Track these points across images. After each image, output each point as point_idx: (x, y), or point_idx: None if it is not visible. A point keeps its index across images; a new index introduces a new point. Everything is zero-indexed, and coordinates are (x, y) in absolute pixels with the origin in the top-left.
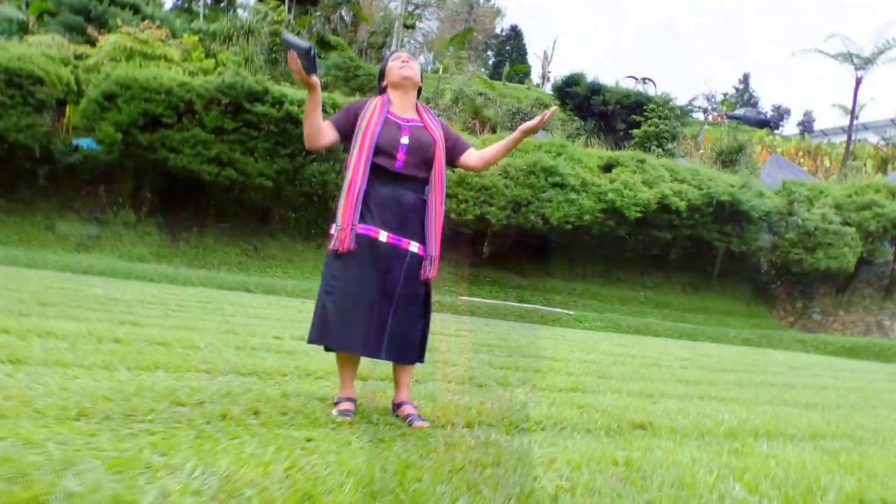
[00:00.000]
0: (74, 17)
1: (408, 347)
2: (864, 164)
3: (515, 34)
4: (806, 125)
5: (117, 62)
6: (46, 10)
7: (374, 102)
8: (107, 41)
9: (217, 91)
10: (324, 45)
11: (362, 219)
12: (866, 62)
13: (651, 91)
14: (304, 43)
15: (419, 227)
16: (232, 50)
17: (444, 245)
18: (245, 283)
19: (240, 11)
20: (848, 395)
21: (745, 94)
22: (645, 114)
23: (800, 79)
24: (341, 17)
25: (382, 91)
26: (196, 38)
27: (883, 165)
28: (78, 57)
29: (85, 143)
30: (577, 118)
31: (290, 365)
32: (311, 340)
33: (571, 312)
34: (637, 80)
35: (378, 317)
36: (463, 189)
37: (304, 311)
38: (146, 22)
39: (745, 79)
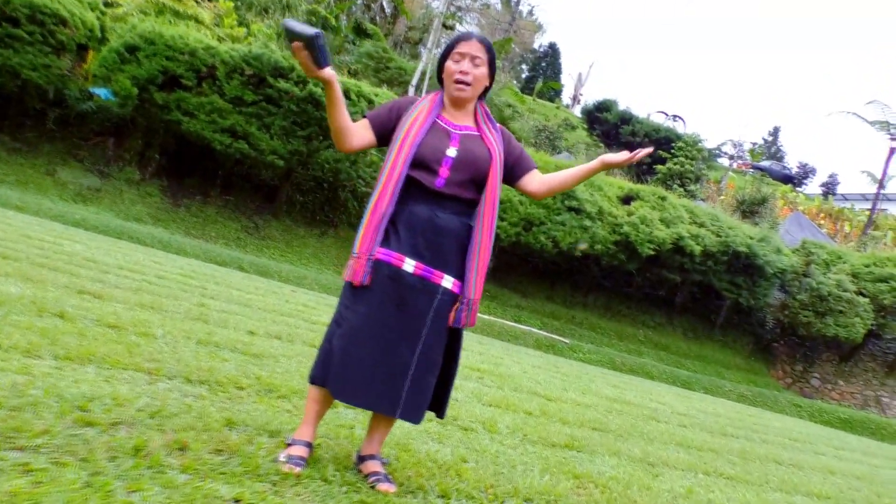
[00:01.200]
0: None
1: (424, 404)
2: (885, 235)
3: (553, 52)
4: (829, 186)
5: (146, 15)
6: None
7: (424, 102)
8: None
9: (242, 60)
10: (359, 32)
11: (385, 242)
12: None
13: (680, 129)
14: (309, 29)
15: (458, 258)
16: (266, 23)
17: None
18: (240, 260)
19: None
20: (858, 486)
21: (772, 147)
22: (672, 151)
23: (828, 139)
24: (382, 8)
25: (441, 84)
26: (231, 4)
27: None
28: (108, 4)
29: (101, 92)
30: (602, 144)
31: (252, 375)
32: (312, 378)
33: (567, 341)
34: (668, 115)
35: (397, 366)
36: None
37: (291, 302)
38: None
39: (776, 131)
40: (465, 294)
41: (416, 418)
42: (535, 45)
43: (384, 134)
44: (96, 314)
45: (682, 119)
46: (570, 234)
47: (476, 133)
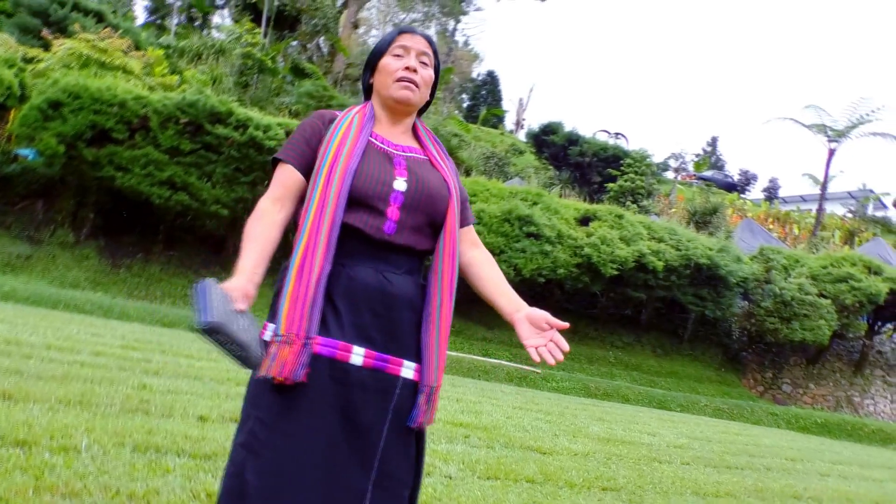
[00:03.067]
0: (32, 19)
1: None
2: (833, 235)
3: (492, 79)
4: (771, 191)
5: (70, 69)
6: (3, 10)
7: (350, 115)
8: (62, 46)
9: (176, 108)
10: (298, 72)
11: (323, 325)
12: (839, 135)
13: (625, 146)
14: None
15: (416, 334)
16: (199, 68)
17: None
18: (188, 319)
19: (214, 32)
20: None
21: (712, 157)
22: (622, 168)
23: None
24: (318, 47)
25: (367, 92)
26: (161, 52)
27: (850, 237)
28: (28, 60)
29: (27, 152)
30: (552, 167)
31: (202, 492)
32: None
33: (539, 371)
34: (610, 134)
35: (347, 499)
36: None
37: None
38: (108, 30)
39: (714, 141)
40: (424, 381)
41: None
42: (474, 74)
43: (310, 168)
44: (4, 420)
45: (624, 136)
46: (531, 261)
47: (423, 156)
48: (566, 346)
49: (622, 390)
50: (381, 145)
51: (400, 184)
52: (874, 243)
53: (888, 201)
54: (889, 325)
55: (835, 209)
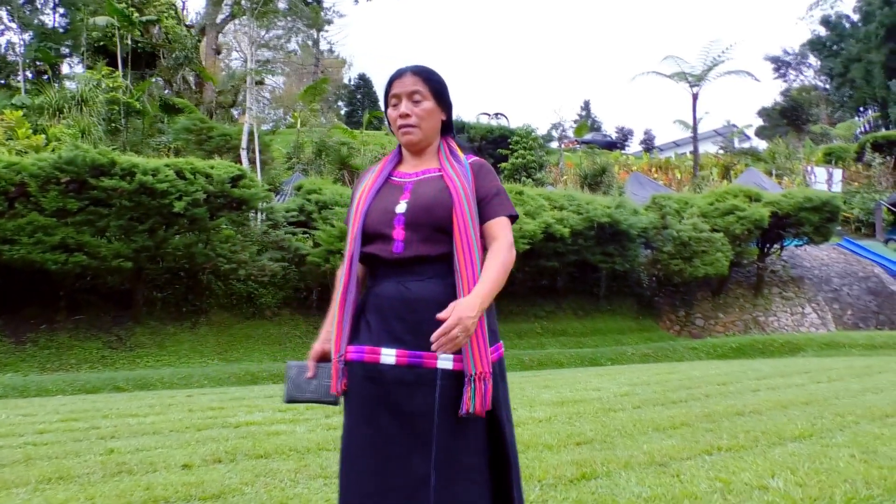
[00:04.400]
0: None
1: None
2: (711, 173)
3: (365, 82)
4: (648, 143)
5: None
6: None
7: (381, 163)
8: None
9: (53, 168)
10: (168, 108)
11: (354, 337)
12: (699, 79)
13: (504, 124)
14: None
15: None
16: (64, 123)
17: None
18: (113, 379)
19: (66, 83)
20: (816, 411)
21: (588, 120)
22: (510, 146)
23: (636, 100)
24: (184, 79)
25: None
26: (20, 113)
27: (726, 172)
28: None
29: None
30: None
31: None
32: None
33: None
34: (490, 115)
35: (413, 485)
36: (346, 244)
37: (195, 411)
38: None
39: (587, 105)
40: (465, 371)
41: None
42: (346, 80)
43: None
44: None
45: (504, 116)
46: None
47: (437, 173)
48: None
49: (554, 356)
50: (398, 179)
51: (401, 207)
52: (748, 173)
53: (750, 132)
54: (776, 246)
55: (707, 148)
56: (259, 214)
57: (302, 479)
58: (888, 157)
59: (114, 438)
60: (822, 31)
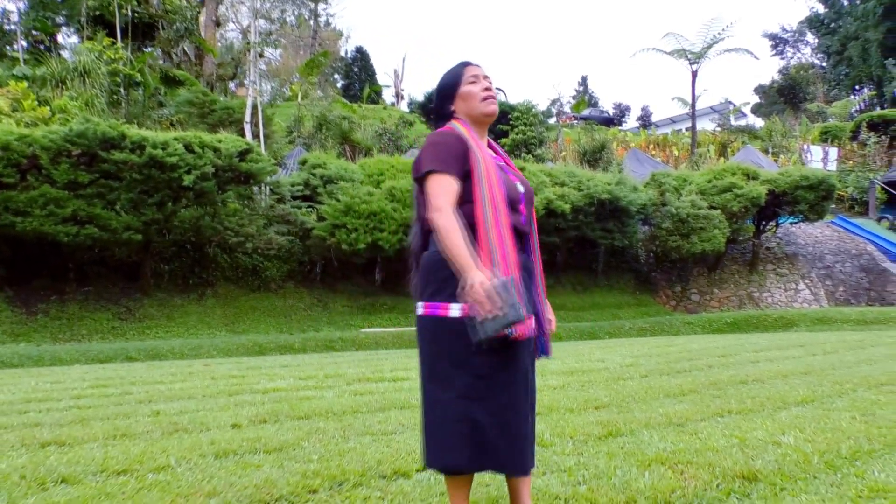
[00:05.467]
0: None
1: (534, 449)
2: (708, 150)
3: (362, 55)
4: (645, 119)
5: None
6: None
7: (470, 135)
8: None
9: (65, 141)
10: (169, 81)
11: None
12: (699, 57)
13: (503, 99)
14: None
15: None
16: (67, 95)
17: (337, 277)
18: (125, 350)
19: (65, 54)
20: (815, 380)
21: (585, 95)
22: (511, 122)
23: (633, 76)
24: (184, 52)
25: (445, 117)
26: (24, 84)
27: (723, 149)
28: None
29: None
30: None
31: (308, 469)
32: (454, 465)
33: None
34: None
35: (531, 422)
36: (351, 218)
37: (218, 378)
38: None
39: (584, 80)
40: (544, 327)
41: (533, 463)
42: (342, 53)
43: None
44: (90, 464)
45: (503, 91)
46: None
47: (503, 163)
48: None
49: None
50: (495, 159)
51: (520, 187)
52: (745, 151)
53: (747, 110)
54: (772, 223)
55: (704, 125)
56: (264, 188)
57: (351, 435)
58: (883, 137)
59: (151, 402)
60: (821, 9)
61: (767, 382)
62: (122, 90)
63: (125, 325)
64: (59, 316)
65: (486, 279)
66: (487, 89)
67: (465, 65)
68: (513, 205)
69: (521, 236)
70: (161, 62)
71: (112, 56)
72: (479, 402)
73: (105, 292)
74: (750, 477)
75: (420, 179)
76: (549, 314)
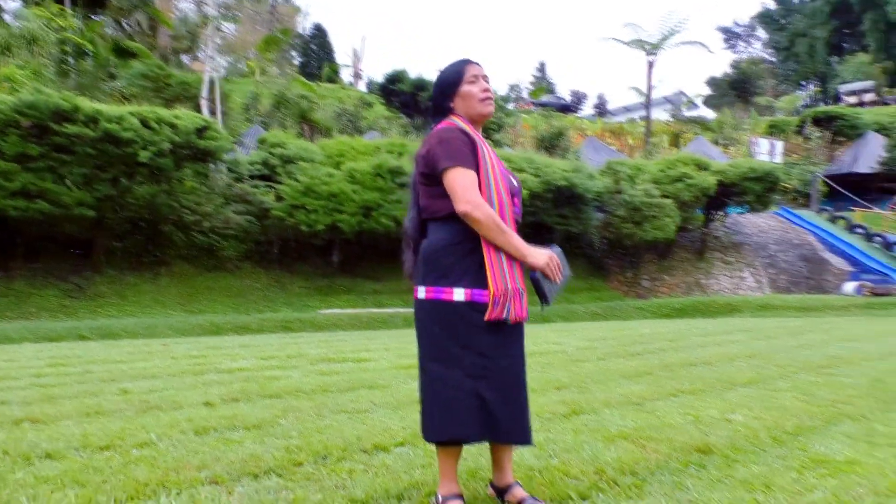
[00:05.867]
0: None
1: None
2: (661, 140)
3: (320, 32)
4: (600, 107)
5: None
6: None
7: (472, 132)
8: None
9: (13, 112)
10: (122, 52)
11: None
12: (655, 48)
13: None
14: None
15: None
16: (14, 63)
17: (294, 258)
18: (77, 328)
19: (10, 19)
20: (762, 362)
21: (543, 81)
22: None
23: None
24: (138, 22)
25: (445, 112)
26: None
27: (676, 139)
28: None
29: None
30: (403, 116)
31: (292, 443)
32: (461, 436)
33: None
34: None
35: (525, 395)
36: (311, 199)
37: (179, 358)
38: None
39: (542, 66)
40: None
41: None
42: (300, 29)
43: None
44: (72, 440)
45: None
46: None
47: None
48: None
49: None
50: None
51: (514, 181)
52: (697, 142)
53: (699, 101)
54: (721, 213)
55: (657, 115)
56: (221, 166)
57: (326, 413)
58: (826, 132)
59: (115, 381)
60: (772, 5)
61: (716, 365)
62: (71, 60)
63: (76, 303)
64: (6, 293)
65: (552, 254)
66: (486, 90)
67: (467, 63)
68: (511, 196)
69: (516, 223)
70: (113, 32)
71: (61, 24)
72: (484, 379)
73: (55, 269)
74: (705, 450)
75: (434, 175)
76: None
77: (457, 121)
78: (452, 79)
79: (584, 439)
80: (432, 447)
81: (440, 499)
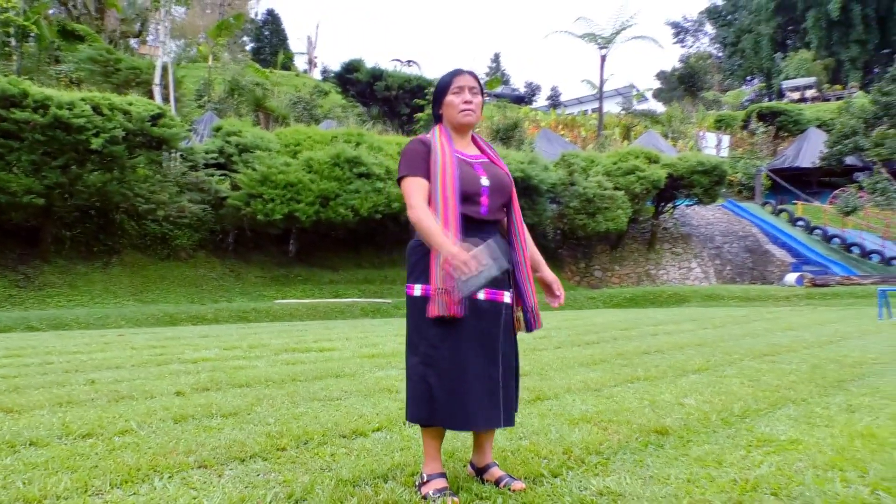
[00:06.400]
0: None
1: (515, 407)
2: (613, 133)
3: (273, 18)
4: (554, 99)
5: None
6: None
7: (438, 138)
8: None
9: None
10: (67, 35)
11: None
12: (608, 42)
13: (418, 74)
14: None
15: (507, 274)
16: None
17: (250, 248)
18: (25, 319)
19: None
20: (706, 351)
21: (497, 72)
22: (426, 97)
23: (545, 56)
24: (84, 4)
25: (438, 119)
26: None
27: (627, 132)
28: None
29: None
30: (359, 105)
31: (268, 431)
32: (414, 419)
33: (389, 301)
34: (402, 62)
35: (492, 385)
36: (268, 188)
37: (138, 348)
38: None
39: (497, 58)
40: (527, 304)
41: (512, 422)
42: (252, 14)
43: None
44: (50, 429)
45: (416, 63)
46: (366, 200)
47: (487, 160)
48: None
49: None
50: (462, 157)
51: (484, 181)
52: (647, 135)
53: (649, 95)
54: (670, 205)
55: (609, 108)
56: (175, 154)
57: (299, 401)
58: (770, 127)
59: (79, 372)
60: (720, 1)
61: (667, 353)
62: (13, 42)
63: (23, 292)
64: None
65: (460, 249)
66: (467, 102)
67: (456, 74)
68: (470, 197)
69: (481, 224)
70: (58, 13)
71: (3, 4)
72: (432, 367)
73: (1, 258)
74: (662, 431)
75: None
76: (531, 299)
77: (435, 129)
78: (440, 88)
79: (549, 423)
80: (409, 432)
81: (425, 477)
